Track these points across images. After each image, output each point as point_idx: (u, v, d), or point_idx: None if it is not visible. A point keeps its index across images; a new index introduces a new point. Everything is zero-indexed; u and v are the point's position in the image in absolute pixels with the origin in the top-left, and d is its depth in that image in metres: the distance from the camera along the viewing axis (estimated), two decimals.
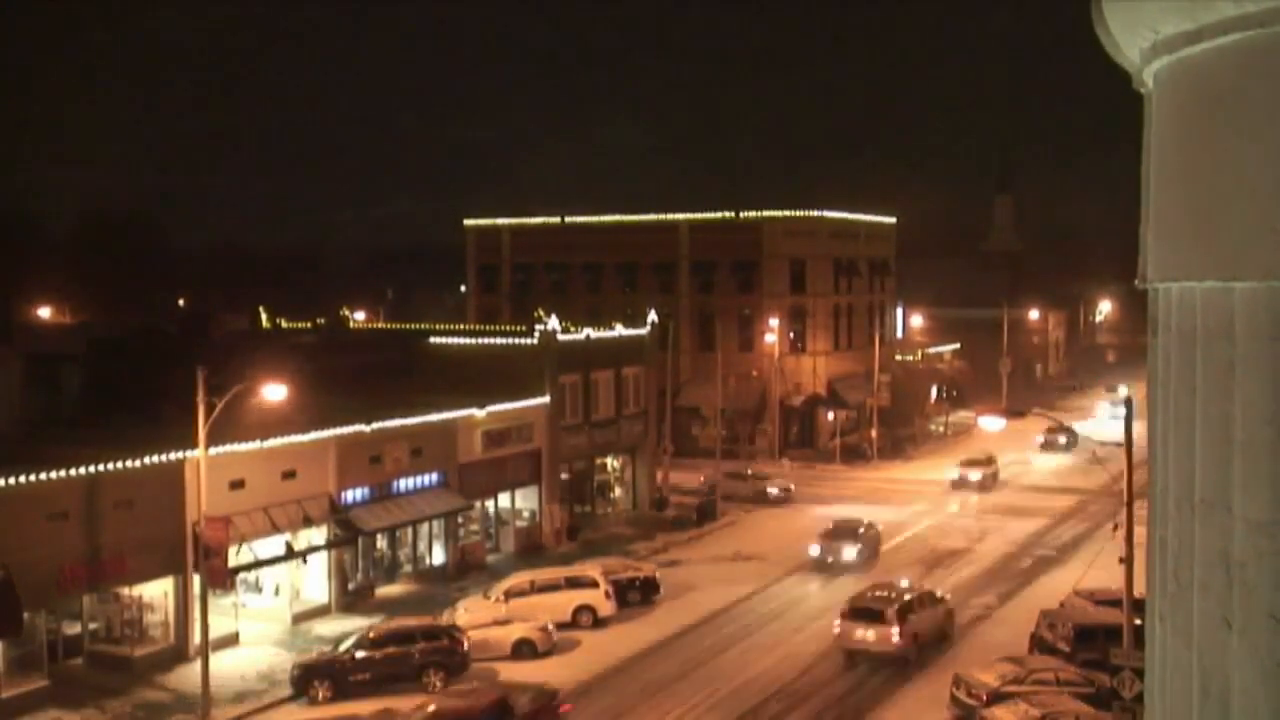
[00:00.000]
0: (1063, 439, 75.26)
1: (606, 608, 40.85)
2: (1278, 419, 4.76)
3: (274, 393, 34.88)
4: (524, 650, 37.44)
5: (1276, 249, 4.66)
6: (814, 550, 48.04)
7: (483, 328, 65.08)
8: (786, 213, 77.54)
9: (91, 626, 36.46)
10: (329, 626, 40.46)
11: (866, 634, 36.15)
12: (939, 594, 39.99)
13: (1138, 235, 5.83)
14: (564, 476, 54.92)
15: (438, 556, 47.85)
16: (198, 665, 33.27)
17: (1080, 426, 73.50)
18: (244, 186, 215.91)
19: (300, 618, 41.16)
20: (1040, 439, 78.23)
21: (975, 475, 65.78)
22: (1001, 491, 64.96)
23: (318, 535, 41.91)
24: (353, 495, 43.44)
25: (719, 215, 78.66)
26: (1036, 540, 53.78)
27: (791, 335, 76.73)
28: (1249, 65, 4.75)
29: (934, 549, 51.76)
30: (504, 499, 51.74)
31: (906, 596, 37.55)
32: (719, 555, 50.86)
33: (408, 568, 46.82)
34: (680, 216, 79.01)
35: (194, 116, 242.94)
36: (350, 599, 43.04)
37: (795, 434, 76.08)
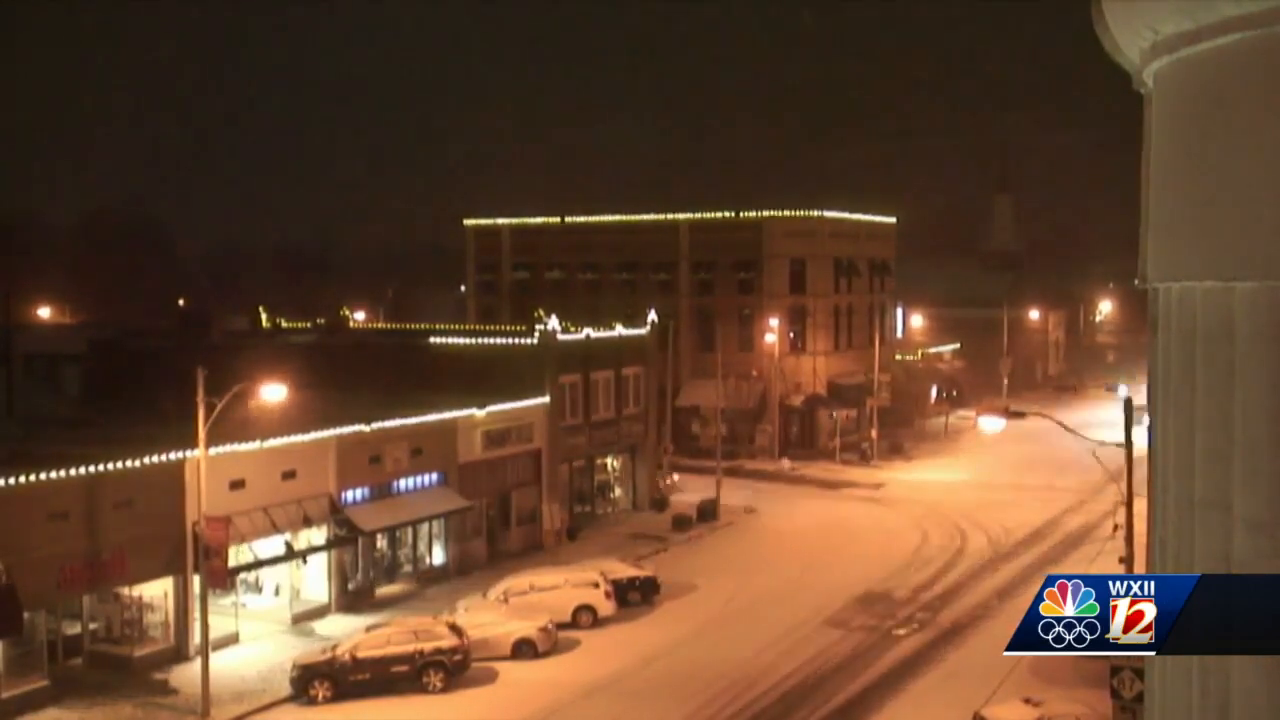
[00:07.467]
0: None
1: (606, 608, 40.84)
2: (1278, 419, 4.77)
3: (274, 393, 34.90)
4: (524, 650, 37.42)
5: (1276, 249, 4.67)
6: None
7: (483, 328, 65.09)
8: (786, 213, 77.52)
9: (91, 626, 36.41)
10: (329, 626, 40.45)
11: None
12: None
13: (1138, 235, 5.83)
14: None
15: (438, 556, 47.86)
16: (198, 665, 33.28)
17: None
18: (244, 186, 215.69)
19: (300, 618, 41.16)
20: None
21: None
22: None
23: (318, 535, 41.91)
24: (353, 495, 43.43)
25: (719, 215, 78.64)
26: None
27: (791, 335, 76.69)
28: (1249, 65, 4.75)
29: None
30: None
31: None
32: (719, 555, 50.85)
33: (408, 568, 46.81)
34: (680, 216, 78.98)
35: (195, 116, 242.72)
36: (350, 599, 43.03)
37: (795, 434, 76.07)
